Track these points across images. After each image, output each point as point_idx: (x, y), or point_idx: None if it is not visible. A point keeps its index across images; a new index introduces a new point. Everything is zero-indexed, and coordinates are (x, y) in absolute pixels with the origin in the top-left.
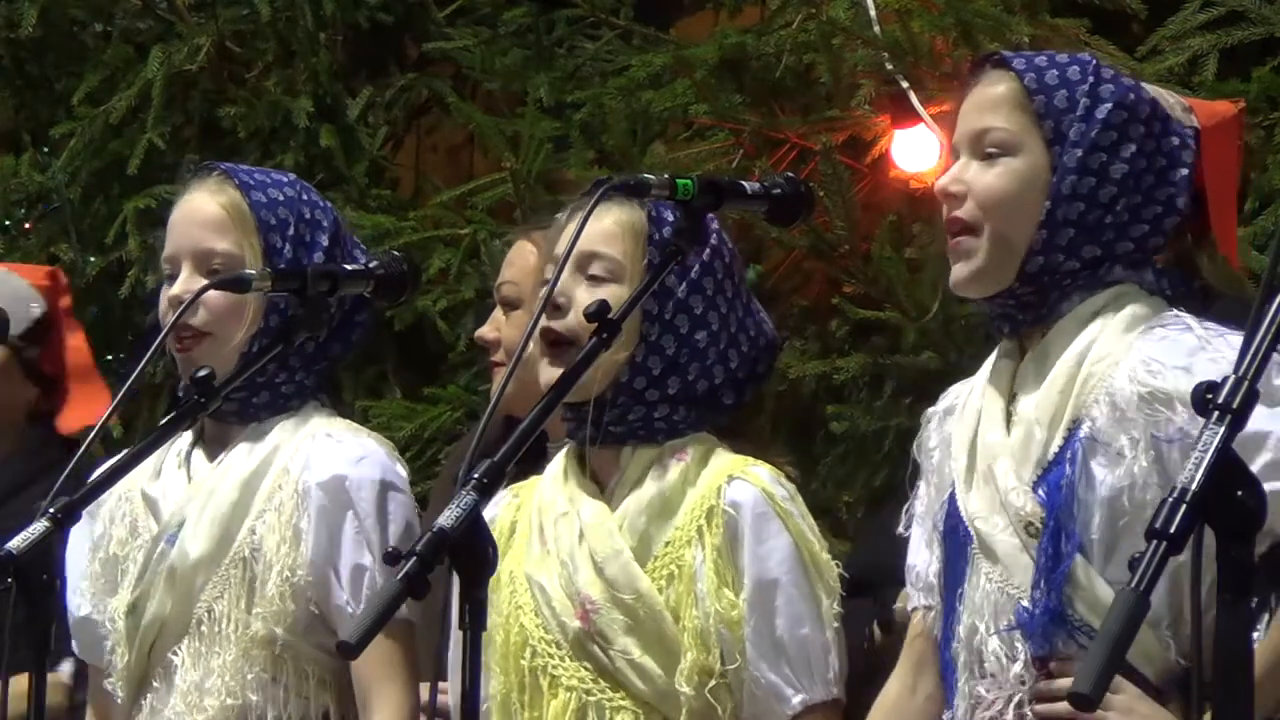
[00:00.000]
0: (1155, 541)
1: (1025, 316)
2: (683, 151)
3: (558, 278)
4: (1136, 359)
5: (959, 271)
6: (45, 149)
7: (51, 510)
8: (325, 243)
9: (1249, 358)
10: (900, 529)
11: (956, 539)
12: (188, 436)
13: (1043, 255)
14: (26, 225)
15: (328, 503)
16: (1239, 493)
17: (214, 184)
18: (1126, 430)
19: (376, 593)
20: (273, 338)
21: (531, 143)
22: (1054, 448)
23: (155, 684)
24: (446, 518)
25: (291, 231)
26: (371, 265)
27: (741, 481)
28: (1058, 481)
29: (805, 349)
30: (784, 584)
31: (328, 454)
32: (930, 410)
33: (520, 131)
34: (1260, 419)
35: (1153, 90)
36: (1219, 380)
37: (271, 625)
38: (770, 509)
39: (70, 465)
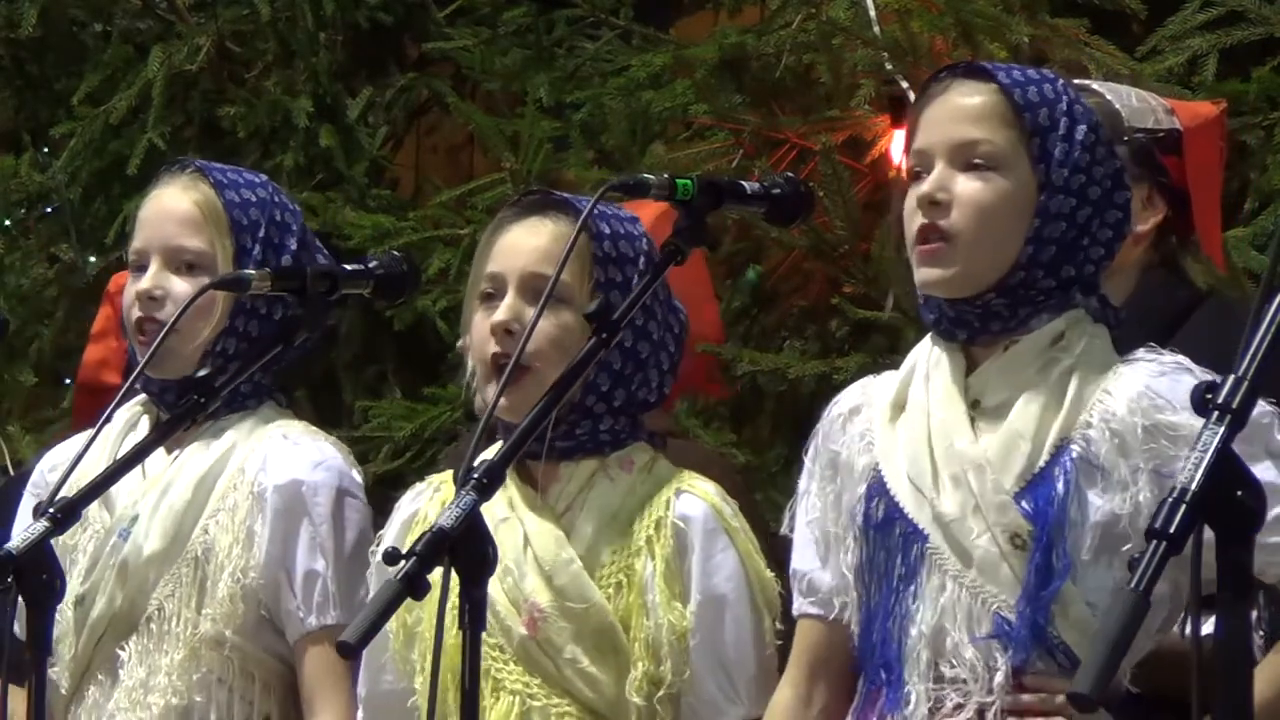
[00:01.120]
0: (1155, 541)
1: (988, 326)
2: (683, 151)
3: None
4: (1136, 390)
5: (932, 273)
6: (45, 149)
7: (51, 510)
8: (293, 246)
9: (1249, 358)
10: (783, 529)
11: (893, 535)
12: (143, 429)
13: (1025, 270)
14: (27, 225)
15: (283, 507)
16: (1239, 493)
17: (187, 180)
18: (1128, 459)
19: (376, 592)
20: (238, 338)
21: (531, 143)
22: (1040, 462)
23: (100, 676)
24: (446, 518)
25: (262, 233)
26: (371, 265)
27: (690, 495)
28: (1047, 498)
29: (805, 349)
30: (731, 601)
31: (285, 457)
32: (834, 413)
33: (520, 131)
34: (1270, 473)
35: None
36: (1218, 380)
37: (221, 626)
38: (719, 525)
39: (69, 466)
